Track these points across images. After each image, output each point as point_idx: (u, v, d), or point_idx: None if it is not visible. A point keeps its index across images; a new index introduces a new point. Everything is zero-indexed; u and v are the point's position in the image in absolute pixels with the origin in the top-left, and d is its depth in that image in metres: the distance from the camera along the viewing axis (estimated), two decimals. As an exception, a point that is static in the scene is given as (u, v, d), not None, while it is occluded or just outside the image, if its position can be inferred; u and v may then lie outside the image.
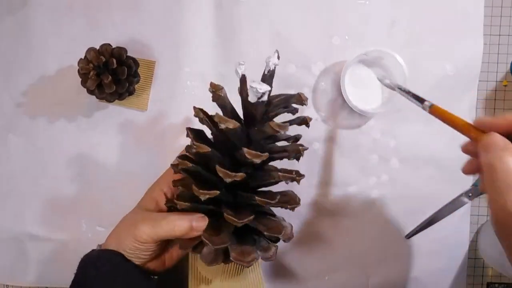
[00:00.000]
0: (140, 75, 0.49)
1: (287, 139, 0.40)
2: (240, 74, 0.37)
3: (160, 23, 0.50)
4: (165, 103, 0.51)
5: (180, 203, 0.37)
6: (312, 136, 0.50)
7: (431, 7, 0.49)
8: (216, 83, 0.37)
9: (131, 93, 0.49)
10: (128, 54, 0.47)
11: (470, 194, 0.50)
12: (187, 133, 0.38)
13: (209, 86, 0.50)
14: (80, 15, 0.51)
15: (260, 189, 0.41)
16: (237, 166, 0.37)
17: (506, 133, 0.31)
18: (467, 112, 0.50)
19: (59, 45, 0.51)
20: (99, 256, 0.40)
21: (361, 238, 0.51)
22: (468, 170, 0.36)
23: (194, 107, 0.39)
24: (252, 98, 0.35)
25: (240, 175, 0.34)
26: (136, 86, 0.49)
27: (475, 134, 0.32)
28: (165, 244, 0.42)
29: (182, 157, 0.38)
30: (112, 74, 0.45)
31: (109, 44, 0.46)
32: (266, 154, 0.35)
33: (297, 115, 0.41)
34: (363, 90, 0.49)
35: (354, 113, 0.49)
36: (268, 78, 0.38)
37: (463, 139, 0.50)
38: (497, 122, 0.31)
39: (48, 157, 0.52)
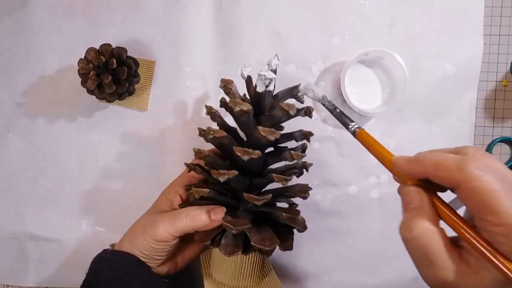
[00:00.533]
0: (140, 75, 0.49)
1: (293, 133, 0.41)
2: (246, 76, 0.39)
3: (160, 23, 0.50)
4: (165, 103, 0.51)
5: (197, 190, 0.38)
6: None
7: (431, 7, 0.49)
8: (227, 78, 0.40)
9: (131, 93, 0.49)
10: (128, 54, 0.47)
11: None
12: (199, 132, 0.40)
13: (209, 86, 0.51)
14: (80, 15, 0.51)
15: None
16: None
17: (423, 177, 0.28)
18: (467, 112, 0.50)
19: (59, 45, 0.51)
20: (113, 258, 0.40)
21: (361, 238, 0.51)
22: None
23: (206, 105, 0.41)
24: (260, 88, 0.38)
25: (256, 153, 0.36)
26: (136, 86, 0.49)
27: (397, 174, 0.30)
28: (179, 245, 0.42)
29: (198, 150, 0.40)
30: (112, 74, 0.45)
31: (109, 44, 0.46)
32: (279, 132, 0.36)
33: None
34: (363, 90, 0.49)
35: (354, 113, 0.49)
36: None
37: (463, 138, 0.50)
38: (411, 168, 0.28)
39: (48, 157, 0.52)
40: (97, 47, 0.46)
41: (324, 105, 0.38)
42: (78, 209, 0.52)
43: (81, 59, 0.45)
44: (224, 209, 0.39)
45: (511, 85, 0.50)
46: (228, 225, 0.37)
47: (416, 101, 0.49)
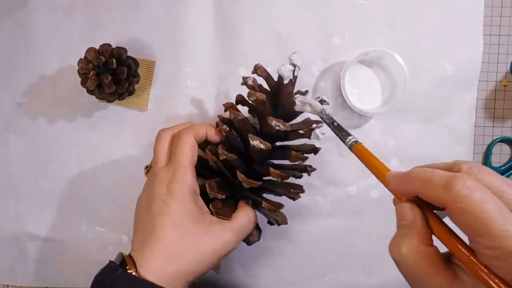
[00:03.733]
0: (140, 75, 0.49)
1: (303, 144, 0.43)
2: (296, 64, 0.40)
3: (160, 23, 0.51)
4: (165, 103, 0.51)
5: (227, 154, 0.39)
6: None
7: (431, 7, 0.49)
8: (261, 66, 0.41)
9: (131, 93, 0.49)
10: (128, 54, 0.48)
11: (470, 194, 0.50)
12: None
13: (209, 86, 0.51)
14: (80, 15, 0.51)
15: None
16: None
17: (413, 195, 0.26)
18: (467, 112, 0.50)
19: (59, 45, 0.51)
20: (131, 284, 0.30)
21: (361, 238, 0.51)
22: None
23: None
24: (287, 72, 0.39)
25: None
26: (136, 86, 0.50)
27: (391, 191, 0.29)
28: None
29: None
30: (112, 74, 0.45)
31: (109, 44, 0.46)
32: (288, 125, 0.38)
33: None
34: (363, 90, 0.49)
35: (354, 113, 0.49)
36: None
37: (463, 138, 0.51)
38: (400, 185, 0.27)
39: (48, 157, 0.52)
40: (97, 47, 0.46)
41: (322, 118, 0.38)
42: (78, 209, 0.52)
43: (81, 59, 0.45)
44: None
45: (511, 85, 0.51)
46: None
47: (416, 101, 0.50)
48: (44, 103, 0.52)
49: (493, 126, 0.51)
